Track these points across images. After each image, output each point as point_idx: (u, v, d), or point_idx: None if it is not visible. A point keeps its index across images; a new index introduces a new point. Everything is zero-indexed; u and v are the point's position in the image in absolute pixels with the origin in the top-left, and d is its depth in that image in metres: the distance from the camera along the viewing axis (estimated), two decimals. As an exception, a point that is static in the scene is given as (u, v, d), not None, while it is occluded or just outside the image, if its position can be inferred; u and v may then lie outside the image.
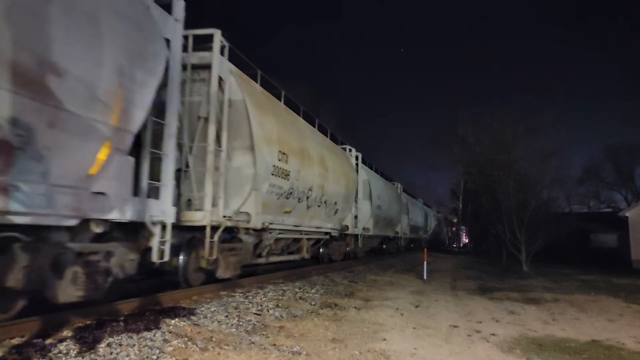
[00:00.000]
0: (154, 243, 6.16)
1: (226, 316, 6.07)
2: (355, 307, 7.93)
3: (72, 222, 4.78)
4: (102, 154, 5.02)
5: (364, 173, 19.08)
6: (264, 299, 7.70)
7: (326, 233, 14.32)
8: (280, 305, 7.36)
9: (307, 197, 11.63)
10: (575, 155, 42.47)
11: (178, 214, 6.93)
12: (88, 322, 5.03)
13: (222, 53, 8.17)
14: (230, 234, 8.74)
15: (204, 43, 8.00)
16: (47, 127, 4.21)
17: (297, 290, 9.08)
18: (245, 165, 8.69)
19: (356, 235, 18.26)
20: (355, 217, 17.54)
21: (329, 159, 13.49)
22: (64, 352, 4.02)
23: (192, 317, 5.74)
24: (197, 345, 4.60)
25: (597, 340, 6.34)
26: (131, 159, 5.59)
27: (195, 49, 7.91)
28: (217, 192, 7.82)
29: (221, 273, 8.34)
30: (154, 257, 6.17)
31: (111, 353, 4.10)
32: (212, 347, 4.64)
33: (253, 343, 4.98)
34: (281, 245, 11.40)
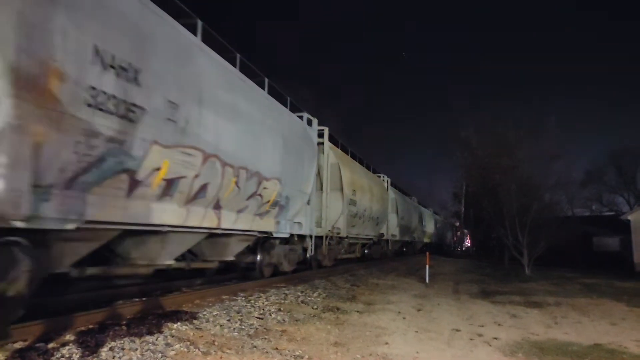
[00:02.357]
0: (308, 245, 12.33)
1: (228, 320, 6.07)
2: (358, 311, 7.93)
3: (287, 235, 10.73)
4: (302, 205, 11.16)
5: (392, 193, 25.09)
6: (266, 302, 7.70)
7: (370, 239, 20.05)
8: (282, 309, 7.36)
9: (363, 216, 17.46)
10: (578, 159, 42.24)
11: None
12: (91, 326, 5.05)
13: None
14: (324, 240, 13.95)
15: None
16: (292, 197, 10.27)
17: (299, 294, 9.08)
18: (337, 200, 14.60)
19: (387, 240, 24.28)
20: (387, 226, 23.13)
21: (374, 187, 19.54)
22: (67, 356, 4.03)
23: (195, 321, 5.75)
24: (199, 350, 4.61)
25: (600, 343, 6.31)
26: (309, 206, 11.83)
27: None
28: (326, 216, 13.71)
29: (326, 262, 14.49)
30: (308, 252, 12.41)
31: (114, 357, 4.11)
32: (214, 351, 4.65)
33: (255, 347, 4.99)
34: (346, 247, 16.59)
